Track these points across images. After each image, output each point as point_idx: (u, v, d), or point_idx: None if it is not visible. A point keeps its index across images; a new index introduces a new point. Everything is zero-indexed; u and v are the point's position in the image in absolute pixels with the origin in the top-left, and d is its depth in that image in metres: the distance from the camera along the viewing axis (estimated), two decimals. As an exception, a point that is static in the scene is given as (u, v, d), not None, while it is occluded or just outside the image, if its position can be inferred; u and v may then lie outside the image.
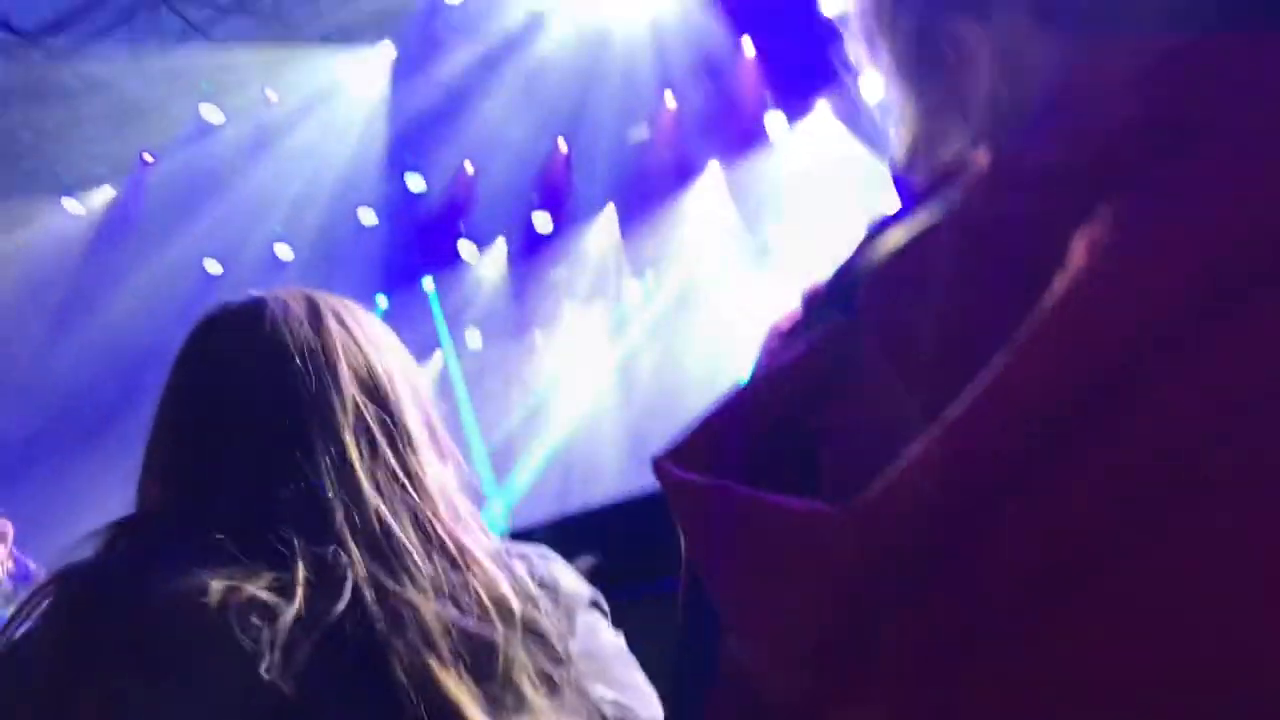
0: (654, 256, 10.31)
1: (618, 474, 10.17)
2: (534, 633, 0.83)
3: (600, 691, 0.84)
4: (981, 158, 0.52)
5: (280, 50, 8.57)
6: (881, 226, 0.57)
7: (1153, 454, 0.39)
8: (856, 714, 0.42)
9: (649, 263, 10.40)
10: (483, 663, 0.78)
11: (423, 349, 11.21)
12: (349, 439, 0.87)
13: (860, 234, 0.59)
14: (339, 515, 0.82)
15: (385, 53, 8.67)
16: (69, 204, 8.96)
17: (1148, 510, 0.39)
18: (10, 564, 5.80)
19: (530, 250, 10.52)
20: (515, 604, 0.82)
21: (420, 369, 1.03)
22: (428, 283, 10.83)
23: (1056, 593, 0.39)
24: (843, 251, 0.59)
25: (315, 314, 0.96)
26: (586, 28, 8.33)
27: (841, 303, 0.54)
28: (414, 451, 0.89)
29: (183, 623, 0.76)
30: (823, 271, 0.59)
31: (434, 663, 0.76)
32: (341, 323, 0.96)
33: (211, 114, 8.77)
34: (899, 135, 0.67)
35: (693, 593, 0.56)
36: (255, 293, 1.02)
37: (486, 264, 10.72)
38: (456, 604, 0.79)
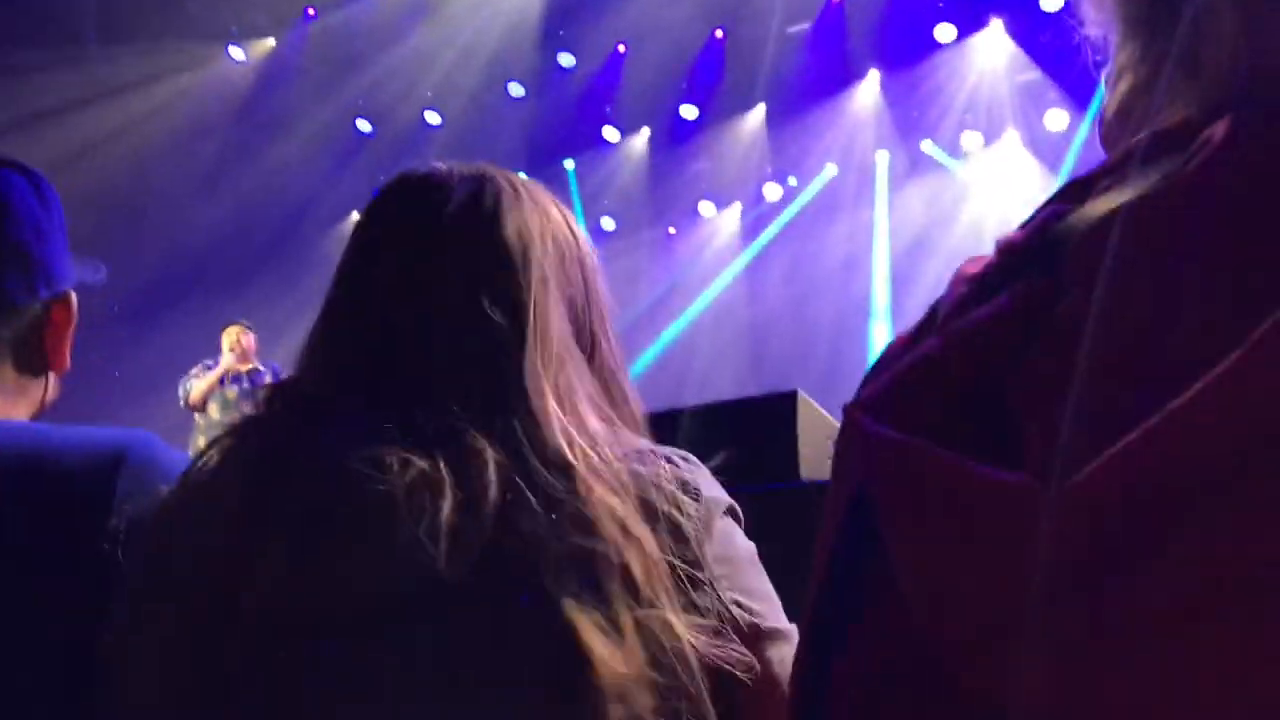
0: (799, 161, 10.10)
1: (733, 372, 10.20)
2: (674, 532, 0.84)
3: (732, 595, 0.86)
4: (1219, 125, 0.47)
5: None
6: (1086, 183, 0.53)
7: None
8: (1019, 687, 0.41)
9: (793, 167, 10.19)
10: (599, 578, 0.79)
11: (557, 229, 11.27)
12: (495, 326, 0.88)
13: (1060, 187, 0.55)
14: (491, 411, 0.84)
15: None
16: (233, 51, 9.19)
17: None
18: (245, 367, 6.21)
19: (674, 140, 10.40)
20: (651, 506, 0.84)
21: (591, 251, 1.02)
22: (569, 162, 10.85)
23: (1254, 607, 0.37)
24: (1041, 203, 0.55)
25: (476, 197, 0.96)
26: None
27: (1043, 260, 0.50)
28: (535, 358, 0.89)
29: (359, 491, 0.79)
30: (1018, 223, 0.55)
31: (549, 579, 0.78)
32: (498, 208, 0.95)
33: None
34: (1115, 89, 0.62)
35: (845, 531, 0.54)
36: (437, 165, 1.01)
37: (628, 149, 10.66)
38: (582, 515, 0.80)
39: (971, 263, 0.57)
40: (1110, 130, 0.63)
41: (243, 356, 6.31)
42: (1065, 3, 7.88)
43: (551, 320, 0.92)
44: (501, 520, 0.78)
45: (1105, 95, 0.64)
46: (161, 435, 1.05)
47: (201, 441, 6.00)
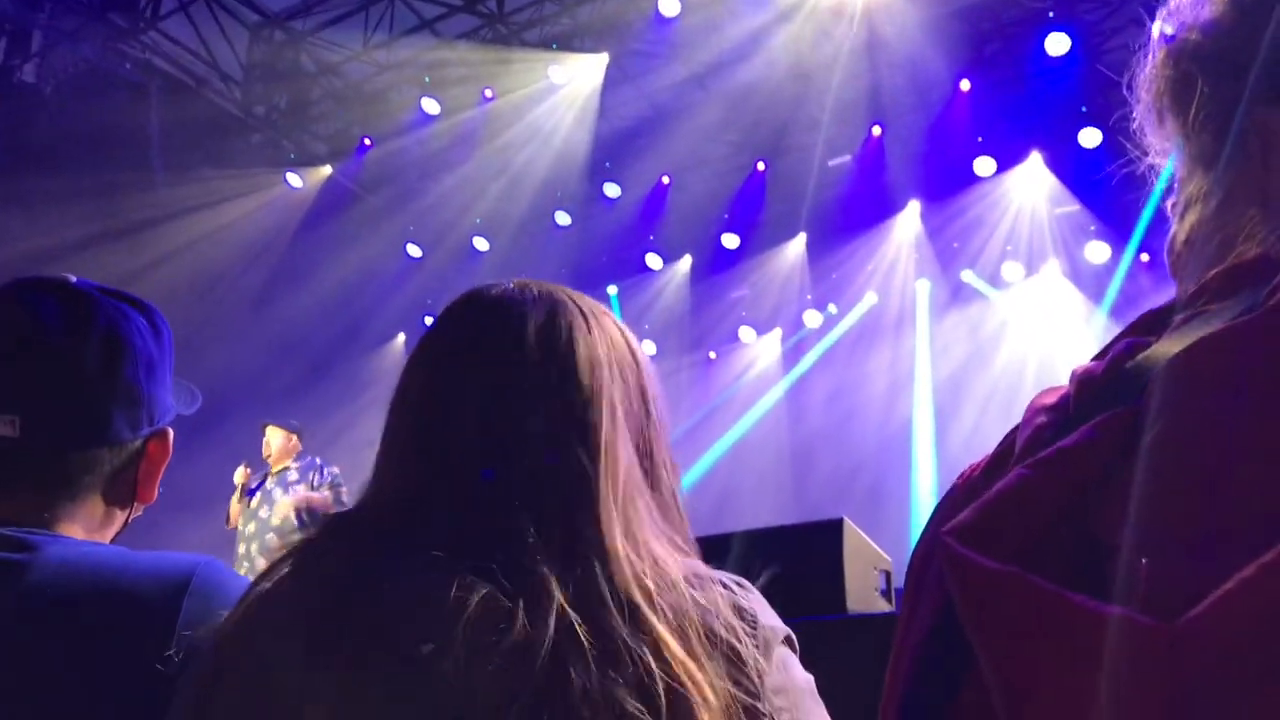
0: (840, 289, 10.19)
1: (774, 498, 10.10)
2: (733, 661, 0.83)
3: None
4: None
5: (501, 51, 8.90)
6: (1161, 316, 0.54)
7: None
8: None
9: (834, 294, 10.28)
10: (659, 707, 0.78)
11: (599, 353, 11.38)
12: (542, 477, 0.88)
13: (1136, 319, 0.56)
14: (562, 546, 0.84)
15: (599, 61, 8.88)
16: (291, 178, 9.55)
17: None
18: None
19: (715, 267, 10.56)
20: (712, 635, 0.83)
21: (652, 373, 1.02)
22: (612, 288, 11.03)
23: None
24: (1118, 334, 0.56)
25: (551, 318, 0.96)
26: (801, 53, 8.30)
27: (1124, 393, 0.51)
28: (604, 486, 0.89)
29: (421, 620, 0.79)
30: (1096, 355, 0.56)
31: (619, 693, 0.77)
32: (570, 332, 0.95)
33: (430, 105, 9.18)
34: (1183, 218, 0.63)
35: (927, 655, 0.55)
36: (509, 283, 1.01)
37: (671, 276, 10.83)
38: (639, 653, 0.80)
39: (1047, 393, 0.58)
40: (1179, 260, 0.64)
41: (276, 456, 6.27)
42: (1103, 140, 8.01)
43: (621, 451, 0.92)
44: (555, 665, 0.77)
45: (1173, 224, 0.65)
46: (210, 550, 1.07)
47: (252, 562, 5.96)
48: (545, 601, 0.80)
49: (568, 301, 0.99)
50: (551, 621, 0.79)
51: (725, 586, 0.89)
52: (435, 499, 0.89)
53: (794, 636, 0.91)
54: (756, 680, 0.83)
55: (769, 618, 0.89)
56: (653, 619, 0.81)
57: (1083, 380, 0.55)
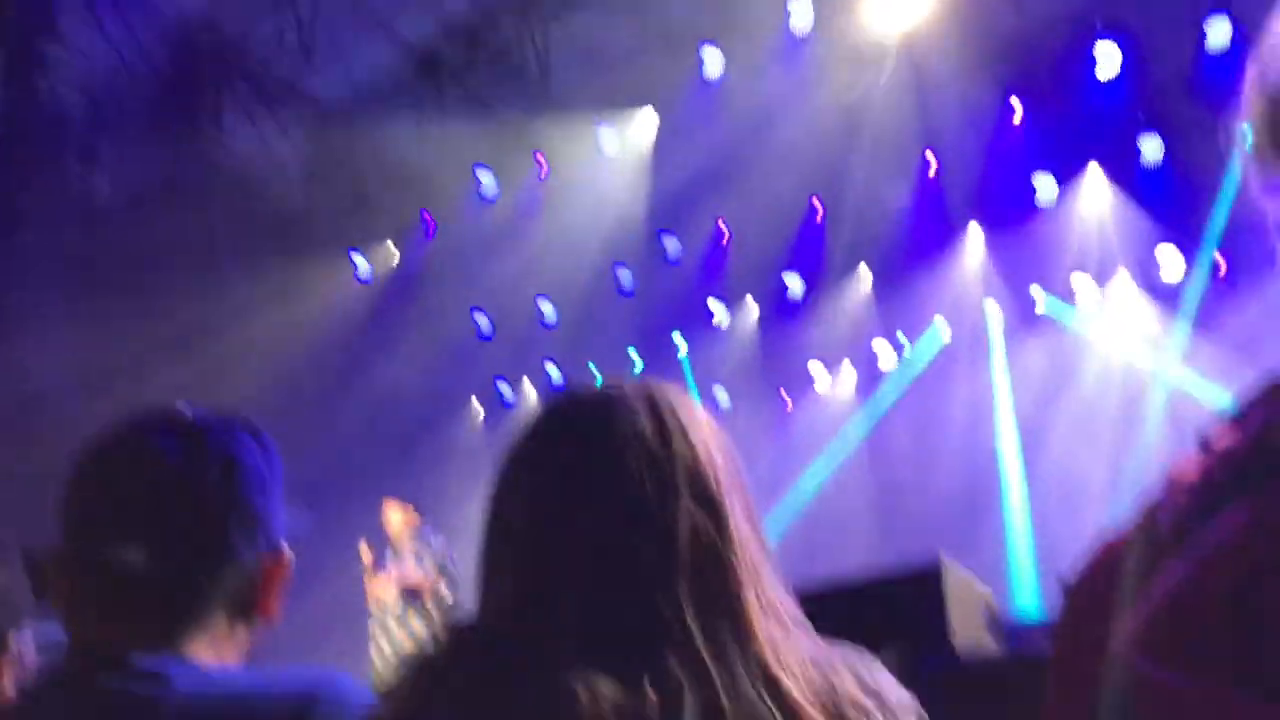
0: (909, 321, 10.08)
1: (864, 540, 9.93)
2: None
3: None
4: None
5: (549, 118, 9.07)
6: None
7: None
8: None
9: (904, 328, 10.17)
10: None
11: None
12: (683, 563, 0.88)
13: (1275, 383, 0.54)
14: (672, 641, 0.84)
15: (648, 119, 8.99)
16: (359, 263, 9.78)
17: None
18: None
19: (781, 311, 10.53)
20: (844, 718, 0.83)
21: (740, 462, 1.01)
22: (680, 341, 11.04)
23: None
24: (1252, 399, 0.54)
25: (656, 417, 0.95)
26: (845, 91, 8.32)
27: (1272, 469, 0.49)
28: (740, 567, 0.89)
29: None
30: (1232, 425, 0.54)
31: None
32: (680, 426, 0.95)
33: (486, 178, 9.36)
34: None
35: None
36: (603, 384, 1.02)
37: (737, 324, 10.82)
38: None
39: (1184, 466, 0.55)
40: None
41: (395, 531, 6.37)
42: (1164, 147, 7.87)
43: (746, 530, 0.93)
44: None
45: None
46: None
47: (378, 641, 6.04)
48: (676, 698, 0.80)
49: (659, 392, 1.00)
50: (690, 712, 0.79)
51: (848, 663, 0.89)
52: (559, 599, 0.89)
53: (922, 711, 0.90)
54: None
55: (896, 692, 0.89)
56: (796, 696, 0.81)
57: (1225, 457, 0.53)
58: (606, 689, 0.80)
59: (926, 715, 0.91)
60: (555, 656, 0.83)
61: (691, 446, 0.94)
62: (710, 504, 0.92)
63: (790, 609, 0.93)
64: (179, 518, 1.11)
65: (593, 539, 0.90)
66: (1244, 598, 0.47)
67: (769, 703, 0.81)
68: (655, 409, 0.97)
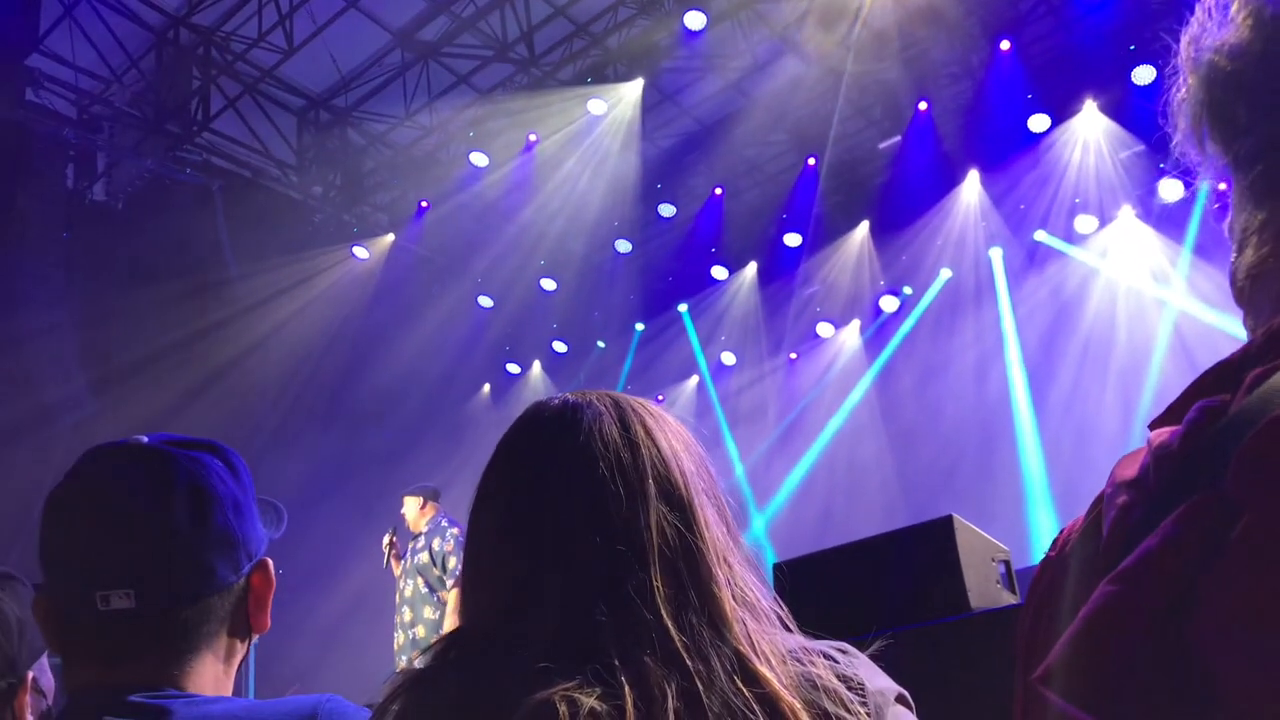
0: (911, 270, 10.06)
1: (878, 493, 9.97)
2: None
3: None
4: None
5: (538, 94, 9.03)
6: (1232, 368, 0.52)
7: None
8: None
9: (906, 276, 10.15)
10: None
11: (680, 372, 11.46)
12: (654, 561, 0.91)
13: (1206, 374, 0.54)
14: (648, 638, 0.87)
15: (634, 87, 8.94)
16: (358, 250, 9.78)
17: None
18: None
19: (782, 269, 10.51)
20: (821, 709, 0.85)
21: (711, 466, 1.04)
22: (682, 306, 11.05)
23: None
24: (1187, 391, 0.54)
25: (623, 423, 0.99)
26: (832, 42, 8.25)
27: (1205, 470, 0.49)
28: (712, 563, 0.92)
29: None
30: (1172, 423, 0.54)
31: None
32: (646, 431, 0.99)
33: (479, 159, 9.33)
34: (1242, 251, 0.61)
35: None
36: (569, 396, 1.05)
37: (738, 284, 10.81)
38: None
39: (1128, 463, 0.56)
40: (1244, 293, 0.62)
41: (412, 523, 6.48)
42: (1157, 74, 7.80)
43: (715, 526, 0.96)
44: None
45: (1232, 253, 0.63)
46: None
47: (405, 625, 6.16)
48: (659, 699, 0.82)
49: (629, 402, 1.03)
50: (670, 711, 0.81)
51: (828, 658, 0.90)
52: (538, 602, 0.92)
53: (907, 694, 0.92)
54: None
55: (877, 681, 0.90)
56: (774, 684, 0.84)
57: (1160, 456, 0.53)
58: (586, 699, 0.82)
59: (913, 702, 0.92)
60: (536, 661, 0.86)
61: (659, 451, 0.98)
62: (679, 505, 0.95)
63: (766, 603, 0.95)
64: (158, 561, 1.12)
65: (566, 543, 0.93)
66: (1160, 613, 0.48)
67: (746, 692, 0.83)
68: (622, 417, 1.00)
